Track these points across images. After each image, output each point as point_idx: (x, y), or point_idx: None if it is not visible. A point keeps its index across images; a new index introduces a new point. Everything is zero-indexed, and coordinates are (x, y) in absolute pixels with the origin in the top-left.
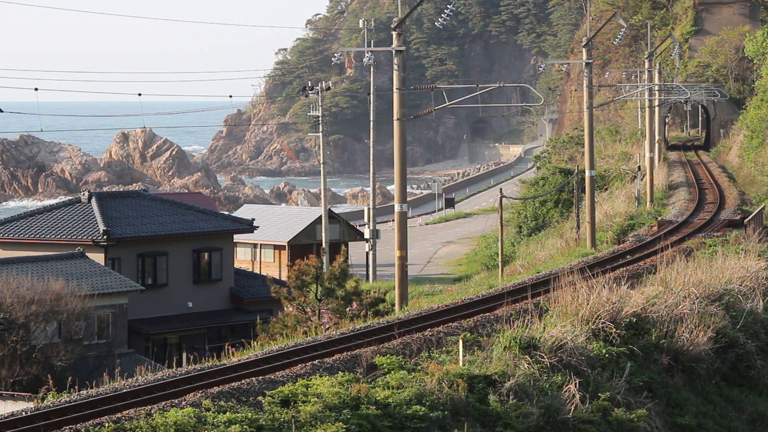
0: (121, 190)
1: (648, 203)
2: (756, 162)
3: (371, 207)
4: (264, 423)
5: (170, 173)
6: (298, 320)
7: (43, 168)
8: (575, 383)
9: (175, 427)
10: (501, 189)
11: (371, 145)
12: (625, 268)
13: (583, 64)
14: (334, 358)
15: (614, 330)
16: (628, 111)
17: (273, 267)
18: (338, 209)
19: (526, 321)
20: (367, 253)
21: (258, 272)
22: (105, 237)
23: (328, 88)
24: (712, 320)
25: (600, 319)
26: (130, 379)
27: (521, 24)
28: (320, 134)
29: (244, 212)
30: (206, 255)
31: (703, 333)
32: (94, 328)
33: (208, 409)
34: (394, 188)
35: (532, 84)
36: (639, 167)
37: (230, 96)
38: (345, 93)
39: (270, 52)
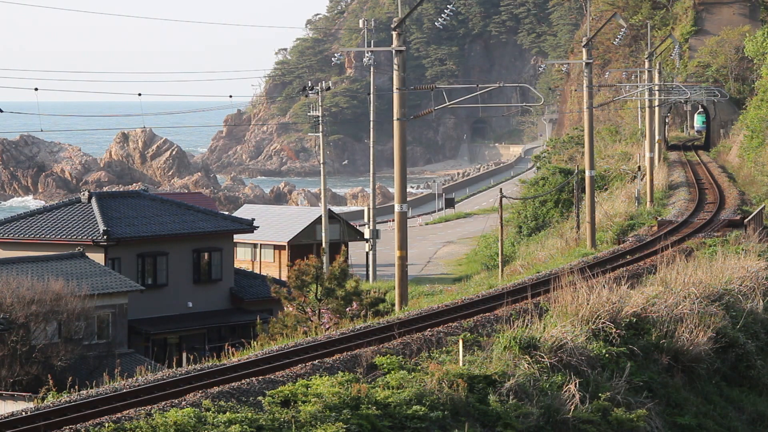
0: (121, 190)
1: (648, 203)
2: (756, 162)
3: (371, 207)
4: (264, 423)
5: (170, 173)
6: (298, 320)
7: (43, 168)
8: (575, 383)
9: (175, 427)
10: (501, 189)
11: (371, 145)
12: (625, 268)
13: (583, 64)
14: (334, 358)
15: (614, 330)
16: (628, 111)
17: (273, 267)
18: (338, 209)
19: (526, 321)
20: (367, 253)
21: (258, 272)
22: (105, 237)
23: (328, 88)
24: (712, 320)
25: (600, 319)
26: (130, 379)
27: (521, 24)
28: (320, 134)
29: (244, 212)
30: (206, 255)
31: (703, 333)
32: (94, 328)
33: (208, 409)
34: (394, 188)
35: (532, 84)
36: (639, 167)
37: (230, 96)
38: (345, 93)
39: (270, 52)
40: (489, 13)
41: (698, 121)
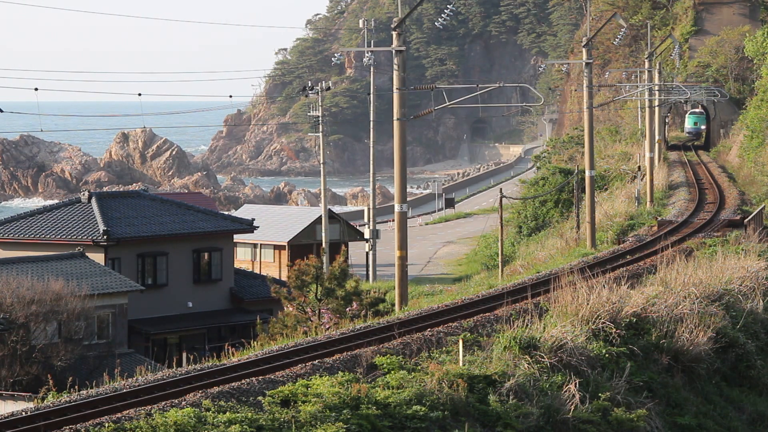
0: (121, 190)
1: (648, 203)
2: (756, 162)
3: (371, 207)
4: (264, 423)
5: (170, 173)
6: (298, 320)
7: (43, 168)
8: (575, 383)
9: (175, 427)
10: (501, 189)
11: (371, 145)
12: (625, 268)
13: (583, 64)
14: (334, 358)
15: (614, 330)
16: (628, 111)
17: (273, 267)
18: (338, 209)
19: (526, 321)
20: (367, 253)
21: (258, 272)
22: (105, 237)
23: (328, 88)
24: (712, 320)
25: (600, 319)
26: (130, 379)
27: (521, 24)
28: (320, 134)
29: (244, 212)
30: (206, 255)
31: (703, 333)
32: (94, 328)
33: (208, 409)
34: (394, 188)
35: (532, 84)
36: (639, 167)
37: (230, 96)
38: (345, 93)
39: (270, 52)
40: (489, 13)
41: (689, 121)
